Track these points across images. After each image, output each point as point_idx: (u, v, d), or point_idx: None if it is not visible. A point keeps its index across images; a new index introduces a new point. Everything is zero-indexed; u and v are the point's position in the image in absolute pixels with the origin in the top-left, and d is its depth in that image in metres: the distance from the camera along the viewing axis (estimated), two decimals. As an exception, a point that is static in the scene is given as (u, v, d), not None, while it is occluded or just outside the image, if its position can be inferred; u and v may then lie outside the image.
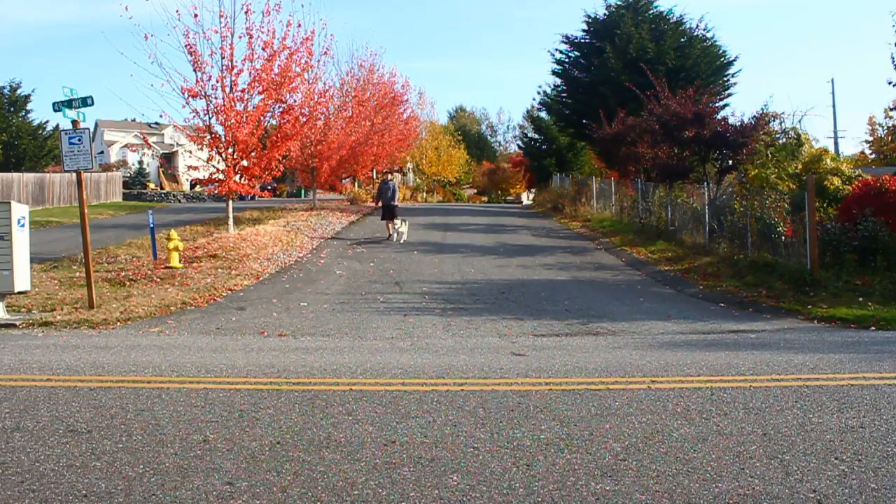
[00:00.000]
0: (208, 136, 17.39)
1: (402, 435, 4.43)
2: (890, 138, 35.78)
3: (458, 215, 27.77)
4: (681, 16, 30.05)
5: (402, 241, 17.94)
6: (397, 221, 18.40)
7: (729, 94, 28.87)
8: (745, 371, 6.16)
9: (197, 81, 17.14)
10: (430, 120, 52.52)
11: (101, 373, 6.28)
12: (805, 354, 7.04)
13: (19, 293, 10.08)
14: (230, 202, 18.57)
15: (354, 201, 32.55)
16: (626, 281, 13.33)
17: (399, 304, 10.83)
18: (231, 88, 17.37)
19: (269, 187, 43.25)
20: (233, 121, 16.99)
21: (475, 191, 62.44)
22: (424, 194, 49.17)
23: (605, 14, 30.48)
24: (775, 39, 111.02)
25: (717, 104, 21.11)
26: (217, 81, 17.24)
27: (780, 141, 18.14)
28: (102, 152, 48.35)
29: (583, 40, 31.12)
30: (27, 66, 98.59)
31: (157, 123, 42.05)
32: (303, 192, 42.96)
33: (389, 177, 19.98)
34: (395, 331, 8.73)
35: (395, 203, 19.20)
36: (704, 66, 27.94)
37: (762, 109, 17.54)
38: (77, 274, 13.13)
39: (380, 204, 19.93)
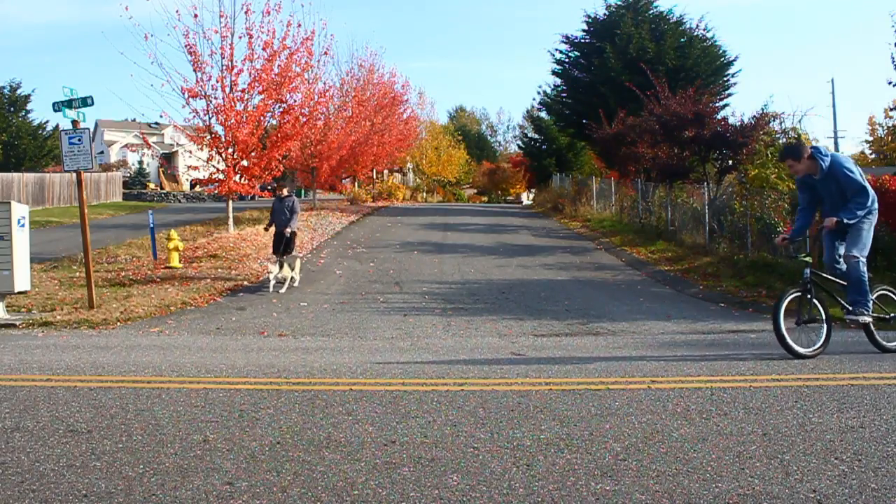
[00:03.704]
0: (208, 136, 17.41)
1: (402, 435, 4.42)
2: (890, 138, 35.72)
3: (458, 215, 27.77)
4: (681, 16, 30.07)
5: (281, 291, 11.77)
6: (289, 262, 12.28)
7: (729, 94, 28.89)
8: (745, 371, 6.15)
9: (197, 81, 17.18)
10: (430, 120, 52.60)
11: (101, 373, 6.28)
12: (805, 354, 7.01)
13: (19, 293, 10.09)
14: (230, 202, 18.60)
15: (354, 201, 32.60)
16: (626, 281, 13.32)
17: (399, 304, 10.83)
18: (231, 88, 17.39)
19: (270, 187, 43.17)
20: (233, 121, 17.01)
21: (475, 191, 62.43)
22: (424, 194, 49.17)
23: (605, 14, 30.49)
24: (775, 40, 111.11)
25: (717, 104, 21.12)
26: (217, 81, 17.27)
27: (781, 141, 18.12)
28: (102, 152, 48.36)
29: (583, 40, 31.12)
30: (27, 66, 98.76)
31: (157, 123, 42.06)
32: (303, 192, 42.95)
33: (285, 192, 13.26)
34: (395, 331, 8.72)
35: (294, 229, 12.99)
36: (704, 66, 27.94)
37: (762, 109, 17.56)
38: (77, 274, 13.13)
39: (272, 230, 13.31)
